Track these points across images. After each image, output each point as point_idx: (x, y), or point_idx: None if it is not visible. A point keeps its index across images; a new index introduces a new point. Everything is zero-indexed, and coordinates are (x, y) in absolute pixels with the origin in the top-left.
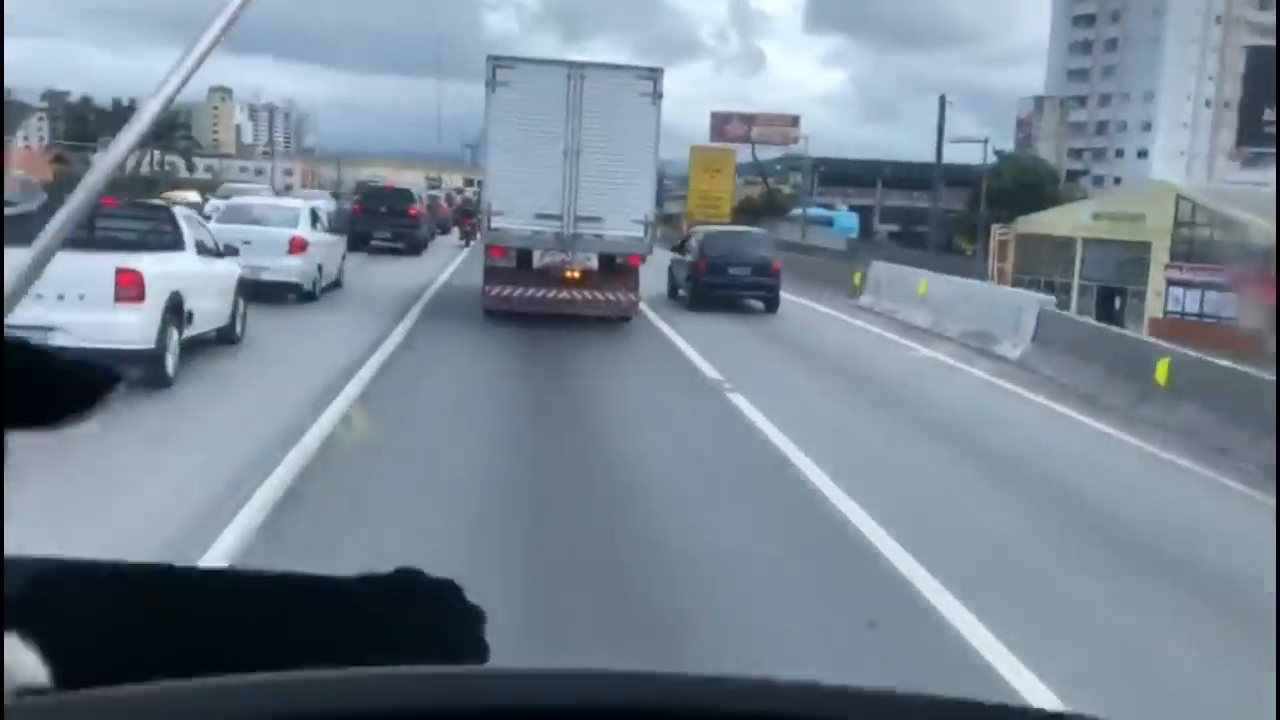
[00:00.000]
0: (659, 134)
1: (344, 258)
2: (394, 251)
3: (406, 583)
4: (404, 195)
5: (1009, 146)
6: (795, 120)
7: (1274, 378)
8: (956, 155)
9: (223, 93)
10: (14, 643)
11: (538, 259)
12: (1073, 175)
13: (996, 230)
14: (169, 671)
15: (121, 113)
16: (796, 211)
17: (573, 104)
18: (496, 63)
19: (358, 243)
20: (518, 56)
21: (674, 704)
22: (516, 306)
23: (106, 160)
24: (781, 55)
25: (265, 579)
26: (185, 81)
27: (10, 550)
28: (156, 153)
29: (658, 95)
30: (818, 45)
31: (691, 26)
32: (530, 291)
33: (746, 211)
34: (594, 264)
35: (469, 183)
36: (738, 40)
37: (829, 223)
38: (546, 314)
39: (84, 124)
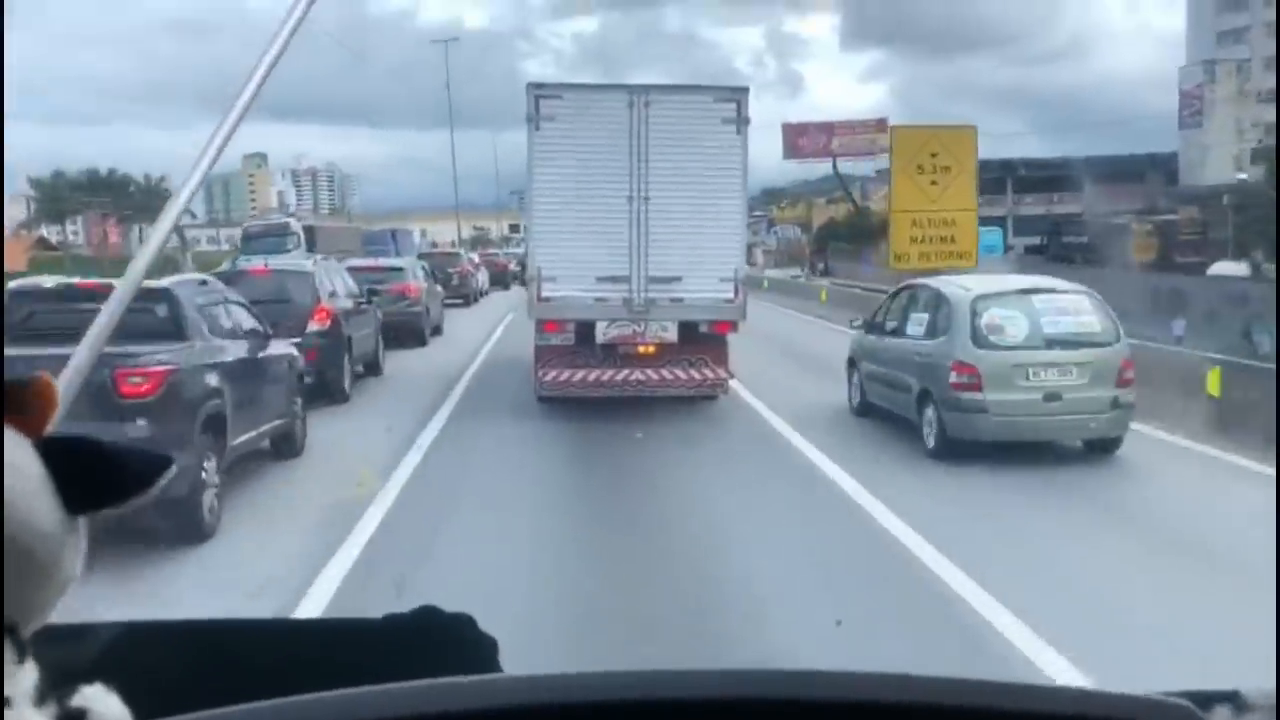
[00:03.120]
0: (747, 167)
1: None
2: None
3: (426, 618)
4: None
5: (1168, 126)
6: (882, 125)
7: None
8: (1096, 147)
9: (258, 159)
10: (99, 692)
11: (602, 332)
12: None
13: None
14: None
15: (111, 182)
16: None
17: (637, 136)
18: (539, 92)
19: None
20: (565, 83)
21: (691, 695)
22: (577, 391)
23: (151, 242)
24: (820, 76)
25: (304, 627)
26: (219, 153)
27: (84, 617)
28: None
29: (744, 120)
30: (855, 62)
31: (727, 56)
32: (594, 374)
33: (833, 236)
34: (671, 335)
35: (514, 229)
36: (775, 65)
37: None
38: (613, 398)
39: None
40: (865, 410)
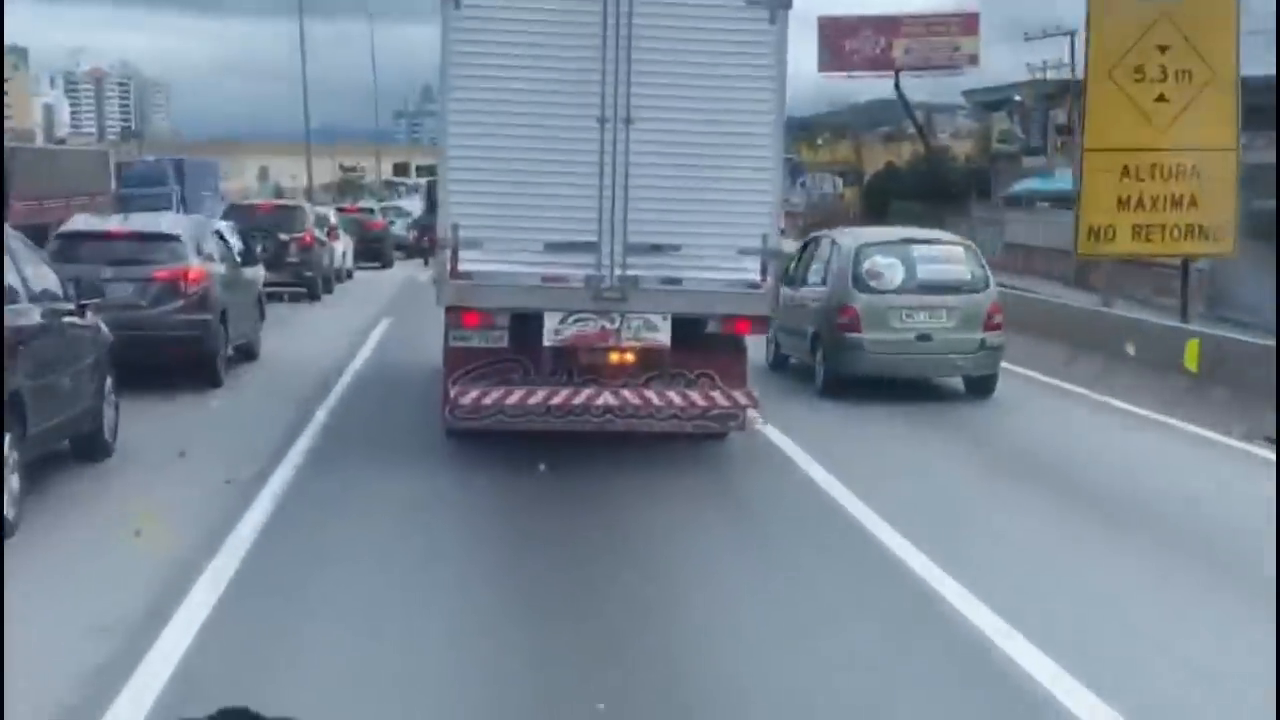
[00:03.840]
0: (785, 78)
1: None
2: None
3: None
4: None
5: None
6: (971, 23)
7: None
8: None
9: (16, 57)
10: None
11: (553, 331)
12: None
13: None
14: None
15: None
16: (1026, 185)
17: (615, 27)
18: None
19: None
20: None
21: None
22: (512, 423)
23: None
24: None
25: None
26: None
27: None
28: None
29: (781, 3)
30: None
31: None
32: (538, 396)
33: (895, 190)
34: (662, 335)
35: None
36: None
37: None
38: (569, 432)
39: None
40: (779, 364)
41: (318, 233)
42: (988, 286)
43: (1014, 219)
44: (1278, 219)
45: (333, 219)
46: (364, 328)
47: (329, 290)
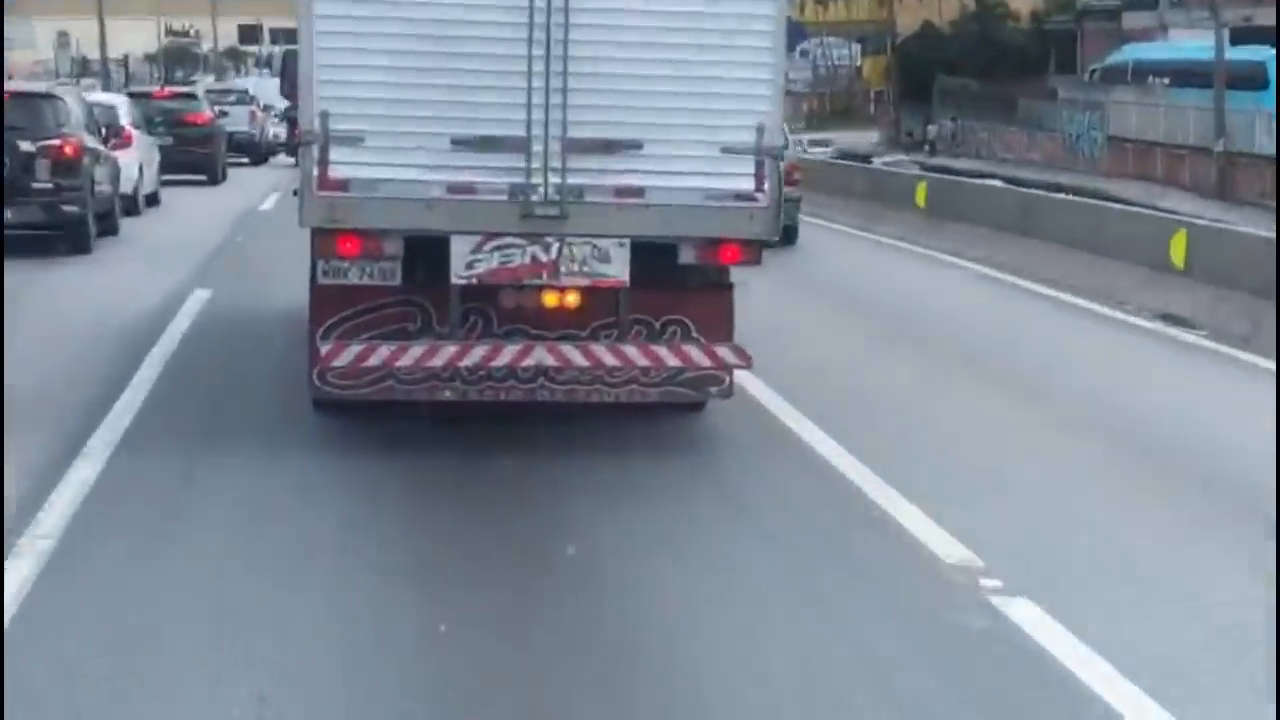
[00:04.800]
0: None
1: None
2: None
3: None
4: None
5: None
6: None
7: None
8: None
9: None
10: None
11: (463, 262)
12: None
13: None
14: None
15: None
16: (1130, 53)
17: None
18: None
19: None
20: None
21: None
22: (407, 391)
23: None
24: None
25: None
26: None
27: None
28: None
29: None
30: None
31: None
32: (444, 354)
33: (939, 62)
34: (616, 269)
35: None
36: None
37: (1251, 81)
38: (485, 404)
39: None
40: None
41: (88, 138)
42: (787, 148)
43: (1115, 102)
44: (1278, 210)
45: (122, 112)
46: (152, 312)
47: (110, 231)
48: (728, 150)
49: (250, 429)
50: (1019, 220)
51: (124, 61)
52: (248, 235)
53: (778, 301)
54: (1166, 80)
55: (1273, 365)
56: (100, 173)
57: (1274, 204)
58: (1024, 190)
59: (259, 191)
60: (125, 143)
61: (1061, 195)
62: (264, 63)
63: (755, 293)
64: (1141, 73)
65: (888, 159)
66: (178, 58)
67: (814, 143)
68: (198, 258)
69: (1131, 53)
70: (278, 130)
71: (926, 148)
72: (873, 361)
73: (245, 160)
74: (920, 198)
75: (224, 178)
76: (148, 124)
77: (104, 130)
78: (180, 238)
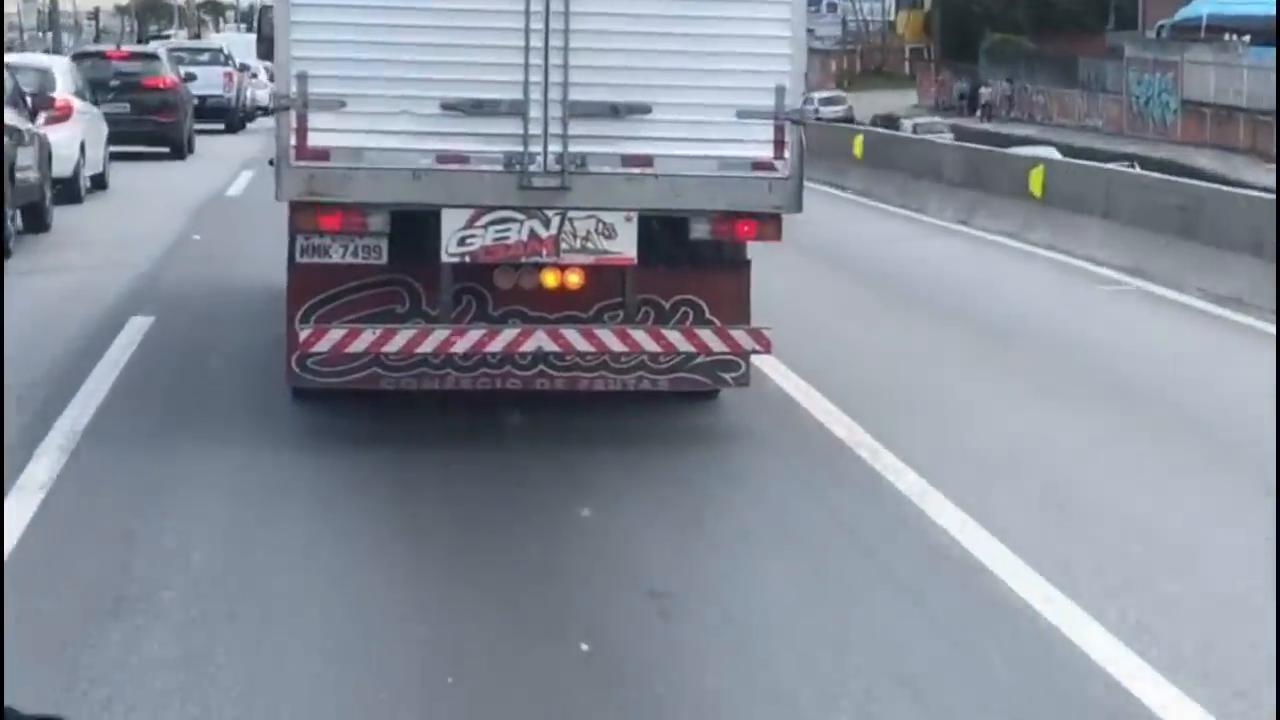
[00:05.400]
0: None
1: None
2: None
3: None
4: None
5: None
6: None
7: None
8: None
9: None
10: None
11: (455, 239)
12: None
13: None
14: None
15: None
16: (1204, 7)
17: None
18: None
19: None
20: None
21: None
22: (394, 379)
23: None
24: None
25: None
26: None
27: None
28: None
29: None
30: None
31: None
32: (434, 339)
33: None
34: (622, 245)
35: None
36: None
37: None
38: (482, 394)
39: None
40: None
41: (10, 115)
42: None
43: (1191, 61)
44: (1278, 200)
45: (60, 78)
46: (72, 354)
47: (38, 227)
48: (744, 114)
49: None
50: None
51: (94, 15)
52: (209, 230)
53: (790, 274)
54: (1246, 38)
55: None
56: (24, 156)
57: None
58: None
59: (229, 168)
60: (62, 115)
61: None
62: (243, 18)
63: (769, 267)
64: (1217, 29)
65: (921, 121)
66: (152, 10)
67: (825, 101)
68: (141, 265)
69: (1205, 6)
70: (258, 93)
71: (979, 112)
72: (890, 333)
73: (220, 127)
74: (1036, 184)
75: (191, 150)
76: (100, 89)
77: (29, 101)
78: (124, 236)
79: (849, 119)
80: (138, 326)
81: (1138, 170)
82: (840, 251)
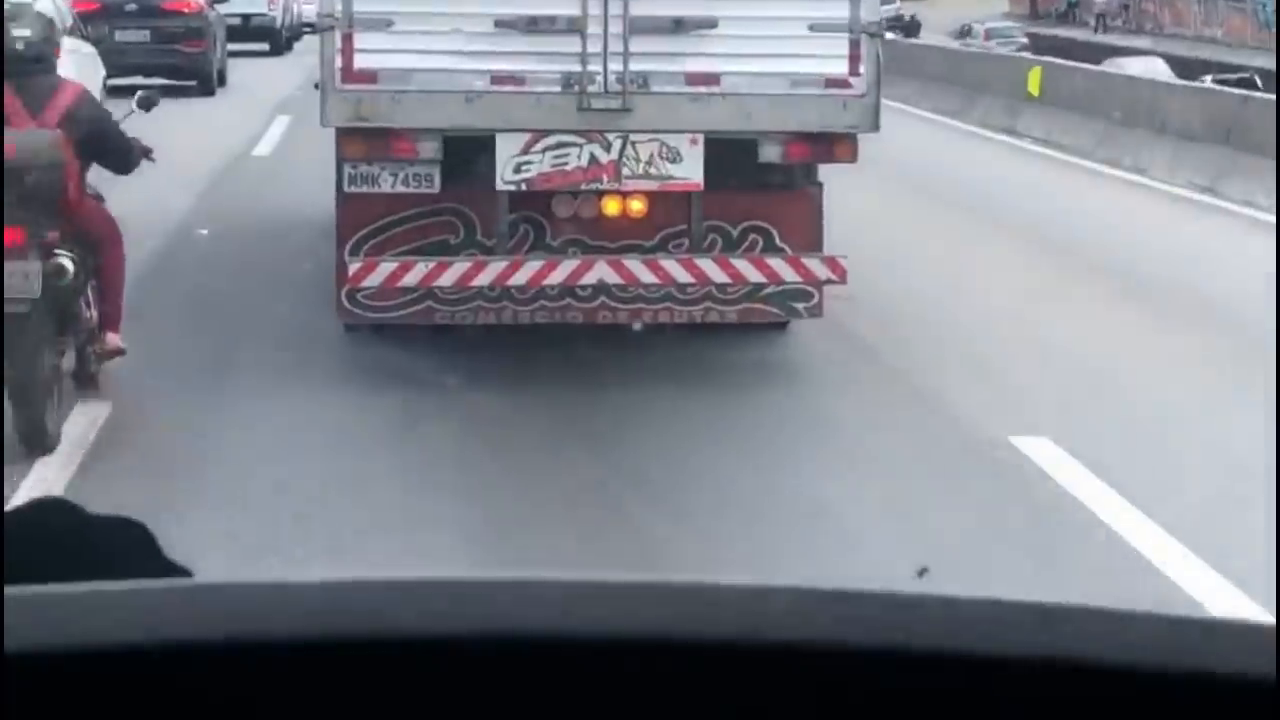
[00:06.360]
0: None
1: None
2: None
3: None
4: None
5: None
6: None
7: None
8: None
9: None
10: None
11: (511, 166)
12: None
13: None
14: None
15: None
16: None
17: None
18: None
19: None
20: None
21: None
22: (450, 312)
23: None
24: None
25: None
26: None
27: None
28: None
29: None
30: None
31: None
32: (489, 271)
33: None
34: (688, 170)
35: None
36: None
37: None
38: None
39: None
40: None
41: None
42: None
43: None
44: (1278, 197)
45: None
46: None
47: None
48: (816, 27)
49: None
50: None
51: None
52: (222, 217)
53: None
54: None
55: None
56: None
57: None
58: None
59: (262, 112)
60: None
61: None
62: None
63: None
64: None
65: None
66: None
67: None
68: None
69: None
70: (304, 8)
71: (1093, 22)
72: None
73: (265, 48)
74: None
75: (222, 83)
76: (113, 16)
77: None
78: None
79: (905, 27)
80: (92, 417)
81: None
82: (1064, 235)
